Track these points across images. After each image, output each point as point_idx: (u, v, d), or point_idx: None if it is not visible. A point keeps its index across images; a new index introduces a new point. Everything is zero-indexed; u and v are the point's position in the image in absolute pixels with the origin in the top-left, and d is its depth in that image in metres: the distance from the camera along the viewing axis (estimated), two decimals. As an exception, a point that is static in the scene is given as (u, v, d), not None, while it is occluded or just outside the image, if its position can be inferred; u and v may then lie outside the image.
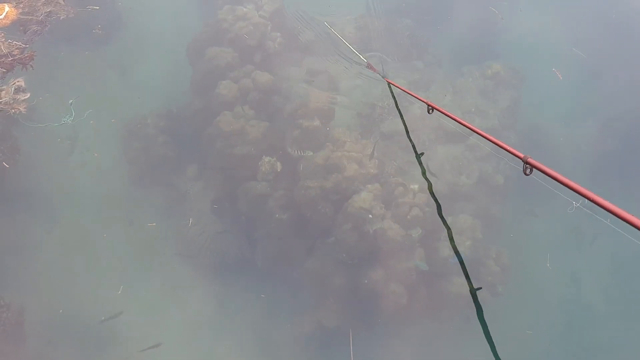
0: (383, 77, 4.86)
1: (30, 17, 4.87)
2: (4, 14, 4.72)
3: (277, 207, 5.05)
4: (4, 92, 4.18)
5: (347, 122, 5.44)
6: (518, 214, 5.33)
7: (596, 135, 5.34)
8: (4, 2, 4.84)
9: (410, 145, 5.22)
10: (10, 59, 4.41)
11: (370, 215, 4.77)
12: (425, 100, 3.70)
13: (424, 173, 5.12)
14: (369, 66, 5.66)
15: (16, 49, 4.50)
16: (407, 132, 5.26)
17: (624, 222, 2.16)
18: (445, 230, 4.88)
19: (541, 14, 6.21)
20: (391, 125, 5.41)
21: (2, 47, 4.35)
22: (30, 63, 4.47)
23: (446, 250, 4.80)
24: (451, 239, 4.81)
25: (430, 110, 3.55)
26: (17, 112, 4.22)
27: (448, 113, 3.34)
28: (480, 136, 3.28)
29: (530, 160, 2.70)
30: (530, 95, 5.56)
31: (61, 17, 4.97)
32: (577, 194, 2.31)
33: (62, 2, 5.17)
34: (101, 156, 5.26)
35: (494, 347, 3.55)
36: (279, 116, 5.53)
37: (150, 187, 5.47)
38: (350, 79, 5.75)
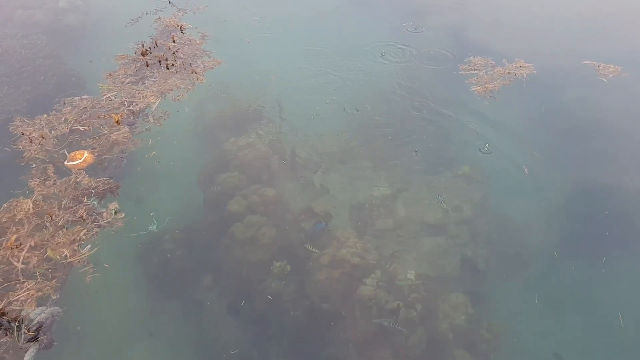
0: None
1: (108, 156, 6.23)
2: (83, 158, 6.00)
3: (290, 302, 5.57)
4: (105, 214, 5.44)
5: (345, 222, 6.16)
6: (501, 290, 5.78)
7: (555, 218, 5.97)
8: (84, 150, 6.17)
9: (401, 239, 5.86)
10: (102, 189, 5.72)
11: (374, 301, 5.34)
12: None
13: (416, 260, 5.70)
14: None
15: (102, 183, 5.78)
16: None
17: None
18: (441, 308, 5.39)
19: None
20: (383, 223, 6.05)
21: (92, 183, 5.72)
22: (117, 191, 5.77)
23: (445, 324, 5.29)
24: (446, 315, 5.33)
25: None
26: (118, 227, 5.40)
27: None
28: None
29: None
30: (498, 189, 6.33)
31: (133, 149, 6.42)
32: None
33: (130, 135, 6.50)
34: (119, 272, 5.86)
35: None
36: (286, 223, 6.20)
37: (169, 300, 6.02)
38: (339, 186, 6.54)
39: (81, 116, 6.87)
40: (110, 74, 7.60)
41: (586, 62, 7.86)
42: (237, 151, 6.95)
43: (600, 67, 7.70)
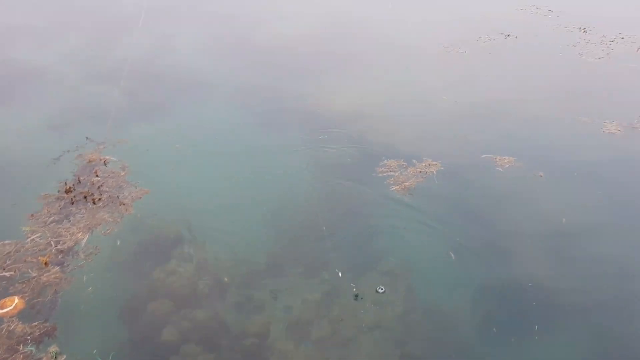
0: None
1: (40, 299, 6.04)
2: (13, 305, 5.80)
3: None
4: (45, 358, 5.26)
5: (282, 335, 6.16)
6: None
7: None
8: (13, 296, 5.96)
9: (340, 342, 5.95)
10: (38, 334, 5.47)
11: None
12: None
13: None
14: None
15: (37, 327, 5.56)
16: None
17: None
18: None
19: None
20: (320, 330, 6.13)
21: (27, 329, 5.48)
22: (55, 333, 5.57)
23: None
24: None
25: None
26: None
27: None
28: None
29: None
30: (425, 279, 6.65)
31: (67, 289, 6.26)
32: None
33: (62, 275, 6.39)
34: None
35: None
36: (224, 346, 6.11)
37: None
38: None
39: (5, 262, 6.62)
40: (32, 215, 7.46)
41: (484, 155, 8.84)
42: (165, 278, 6.90)
43: (497, 159, 8.68)
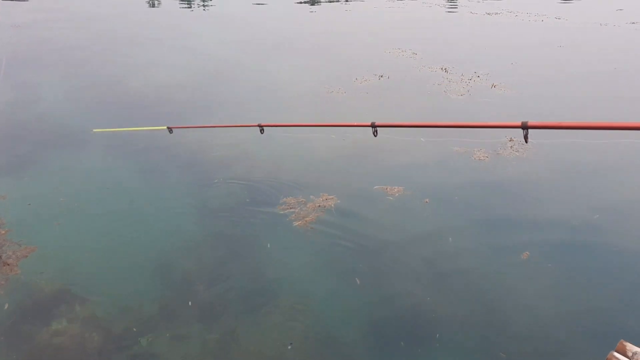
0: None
1: None
2: None
3: None
4: None
5: None
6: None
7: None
8: None
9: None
10: None
11: None
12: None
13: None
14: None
15: None
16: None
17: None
18: None
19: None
20: None
21: None
22: None
23: None
24: None
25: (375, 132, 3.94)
26: None
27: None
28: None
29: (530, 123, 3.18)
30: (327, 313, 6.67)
31: None
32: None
33: None
34: None
35: None
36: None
37: None
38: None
39: None
40: None
41: (377, 187, 9.42)
42: (50, 339, 6.34)
43: (388, 189, 9.30)
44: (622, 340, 4.42)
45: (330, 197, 9.15)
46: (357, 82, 15.30)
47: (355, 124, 3.98)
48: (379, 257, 7.59)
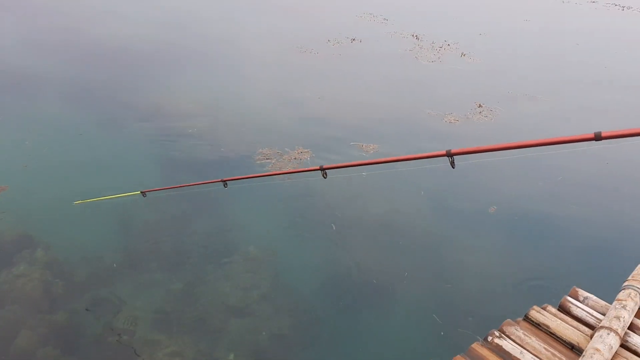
0: None
1: None
2: None
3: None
4: None
5: (151, 326, 5.85)
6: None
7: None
8: None
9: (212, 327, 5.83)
10: None
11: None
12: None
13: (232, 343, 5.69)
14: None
15: None
16: None
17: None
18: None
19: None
20: (189, 317, 5.92)
21: None
22: None
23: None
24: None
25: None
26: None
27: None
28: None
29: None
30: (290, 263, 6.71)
31: None
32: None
33: None
34: None
35: None
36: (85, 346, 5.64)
37: None
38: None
39: None
40: None
41: (352, 143, 9.50)
42: (13, 281, 6.24)
43: (364, 146, 9.40)
44: (574, 286, 4.76)
45: (306, 150, 9.17)
46: (329, 43, 15.23)
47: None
48: (348, 212, 7.64)
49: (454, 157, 3.17)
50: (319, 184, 8.30)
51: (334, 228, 7.19)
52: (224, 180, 5.36)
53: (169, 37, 14.97)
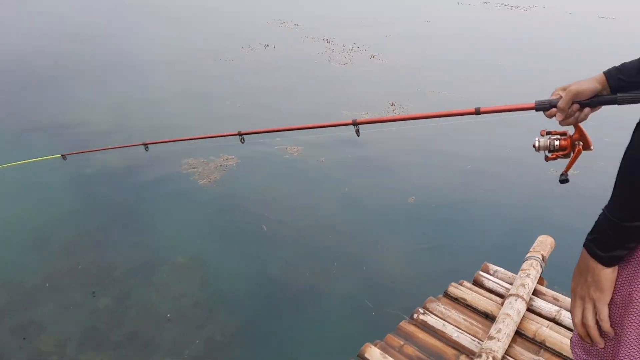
0: None
1: None
2: None
3: None
4: None
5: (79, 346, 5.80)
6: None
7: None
8: None
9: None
10: None
11: None
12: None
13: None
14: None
15: None
16: None
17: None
18: None
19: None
20: (119, 337, 5.92)
21: None
22: None
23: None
24: None
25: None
26: None
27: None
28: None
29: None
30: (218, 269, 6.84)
31: None
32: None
33: None
34: None
35: None
36: None
37: None
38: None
39: None
40: None
41: (277, 147, 9.81)
42: None
43: (288, 149, 9.73)
44: (485, 262, 5.38)
45: (231, 156, 9.36)
46: (244, 50, 15.43)
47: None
48: (277, 213, 7.91)
49: (359, 125, 3.68)
50: (245, 186, 8.54)
51: (265, 229, 7.45)
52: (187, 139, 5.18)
53: (74, 50, 14.53)
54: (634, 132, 1.61)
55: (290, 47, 15.99)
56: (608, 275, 1.76)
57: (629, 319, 1.79)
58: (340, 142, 10.33)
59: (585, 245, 1.84)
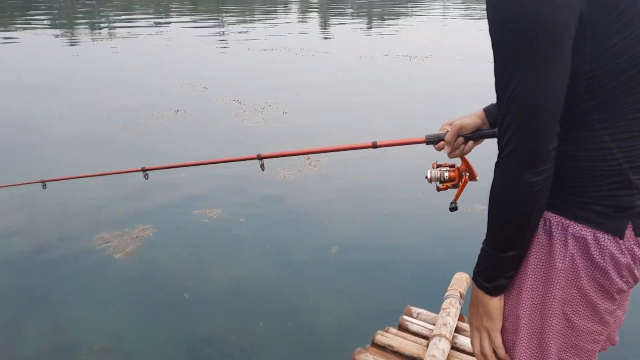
0: None
1: None
2: None
3: None
4: None
5: None
6: None
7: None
8: None
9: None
10: None
11: None
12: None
13: None
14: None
15: None
16: None
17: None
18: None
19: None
20: None
21: None
22: None
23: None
24: None
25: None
26: None
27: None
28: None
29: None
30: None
31: None
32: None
33: None
34: None
35: None
36: None
37: None
38: None
39: None
40: None
41: (195, 211, 9.65)
42: None
43: (206, 212, 9.61)
44: (408, 305, 5.55)
45: (147, 226, 9.09)
46: (154, 117, 15.27)
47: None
48: (198, 282, 7.74)
49: (264, 159, 3.68)
50: (164, 256, 8.28)
51: (187, 297, 7.22)
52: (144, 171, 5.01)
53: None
54: (494, 170, 1.77)
55: (202, 110, 16.08)
56: (495, 304, 1.91)
57: (519, 342, 1.93)
58: (261, 199, 10.36)
59: (472, 278, 2.00)
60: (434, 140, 2.35)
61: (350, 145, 2.95)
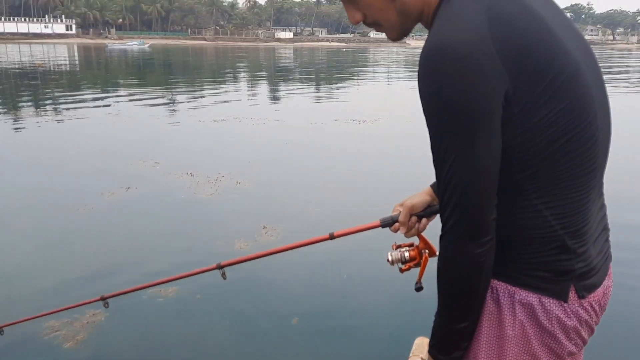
0: None
1: None
2: None
3: None
4: None
5: None
6: None
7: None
8: None
9: None
10: None
11: None
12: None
13: None
14: None
15: None
16: None
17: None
18: None
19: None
20: None
21: None
22: None
23: None
24: None
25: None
26: None
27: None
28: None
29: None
30: None
31: None
32: None
33: None
34: None
35: None
36: None
37: None
38: None
39: None
40: None
41: (150, 290, 9.34)
42: None
43: (162, 291, 9.32)
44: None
45: (98, 311, 8.72)
46: (104, 196, 14.95)
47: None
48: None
49: (225, 268, 3.95)
50: (117, 340, 7.91)
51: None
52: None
53: None
54: (439, 243, 1.86)
55: (153, 186, 15.92)
56: (453, 376, 1.92)
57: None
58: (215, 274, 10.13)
59: (429, 352, 2.02)
60: (388, 223, 2.39)
61: (308, 241, 2.96)
